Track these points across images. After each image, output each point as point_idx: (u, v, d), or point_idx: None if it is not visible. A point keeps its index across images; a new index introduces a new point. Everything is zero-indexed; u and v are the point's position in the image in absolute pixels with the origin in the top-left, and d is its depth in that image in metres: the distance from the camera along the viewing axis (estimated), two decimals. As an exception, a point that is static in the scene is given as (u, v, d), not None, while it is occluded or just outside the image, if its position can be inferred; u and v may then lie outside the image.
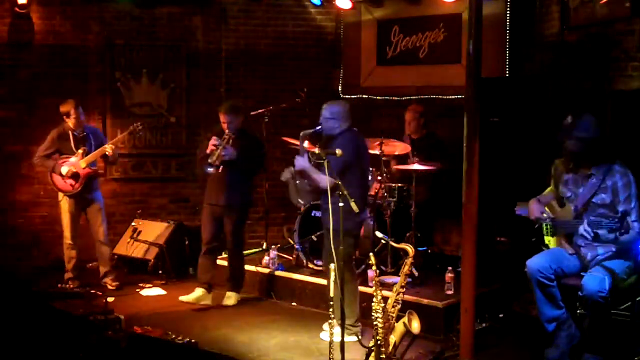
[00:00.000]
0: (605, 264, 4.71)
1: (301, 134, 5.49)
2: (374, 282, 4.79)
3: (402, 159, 6.99)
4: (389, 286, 5.39)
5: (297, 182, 6.10)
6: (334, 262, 4.73)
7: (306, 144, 5.72)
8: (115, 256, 7.43)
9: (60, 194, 6.90)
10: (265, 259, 6.95)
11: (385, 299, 4.81)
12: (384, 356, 4.71)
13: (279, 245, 7.21)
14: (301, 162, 5.39)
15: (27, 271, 7.44)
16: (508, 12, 7.01)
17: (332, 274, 4.68)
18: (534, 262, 4.86)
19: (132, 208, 8.06)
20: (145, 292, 6.94)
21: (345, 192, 4.75)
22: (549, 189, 5.20)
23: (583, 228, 4.69)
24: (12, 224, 7.91)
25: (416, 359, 5.18)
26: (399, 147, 6.77)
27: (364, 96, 8.20)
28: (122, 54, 8.13)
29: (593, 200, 4.80)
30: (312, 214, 6.72)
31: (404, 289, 4.89)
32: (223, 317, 6.21)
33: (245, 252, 6.87)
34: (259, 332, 5.81)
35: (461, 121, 4.95)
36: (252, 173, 6.63)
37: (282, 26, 8.36)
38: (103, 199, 7.12)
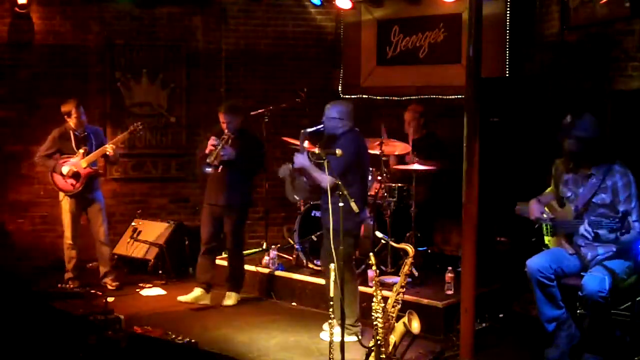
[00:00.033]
0: (606, 263, 4.71)
1: (302, 131, 5.49)
2: (374, 282, 4.79)
3: (402, 158, 7.00)
4: (389, 286, 5.39)
5: (296, 179, 6.10)
6: (334, 262, 4.73)
7: (306, 144, 5.71)
8: (115, 256, 7.43)
9: (61, 194, 6.90)
10: (265, 259, 6.95)
11: (385, 299, 4.81)
12: (384, 356, 4.71)
13: (279, 245, 7.21)
14: (301, 159, 5.39)
15: (27, 271, 7.44)
16: (508, 12, 7.00)
17: (332, 274, 4.68)
18: (534, 262, 4.86)
19: (132, 208, 8.06)
20: (145, 292, 6.94)
21: (345, 192, 4.75)
22: (549, 189, 5.20)
23: (584, 228, 4.69)
24: (12, 224, 7.91)
25: (416, 359, 5.18)
26: (399, 147, 6.77)
27: (364, 96, 8.20)
28: (122, 54, 8.13)
29: (593, 200, 4.80)
30: (312, 214, 6.72)
31: (404, 289, 4.89)
32: (223, 317, 6.21)
33: (245, 252, 6.87)
34: (259, 332, 5.81)
35: (461, 121, 4.95)
36: (252, 173, 6.63)
37: (282, 26, 8.37)
38: (104, 199, 7.12)
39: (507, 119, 6.47)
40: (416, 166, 6.47)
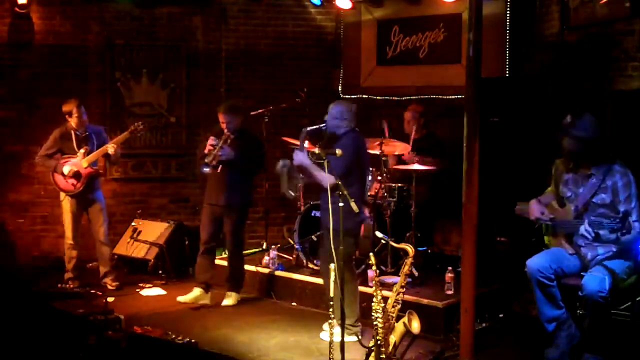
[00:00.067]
0: (606, 263, 4.71)
1: (303, 130, 5.48)
2: (374, 282, 4.79)
3: (401, 158, 7.00)
4: (389, 286, 5.39)
5: (293, 175, 6.11)
6: (334, 262, 4.73)
7: (306, 144, 5.71)
8: (116, 256, 7.43)
9: (62, 194, 6.90)
10: (265, 259, 6.95)
11: (385, 299, 4.81)
12: (384, 356, 4.71)
13: (279, 245, 7.21)
14: (301, 157, 5.38)
15: (27, 271, 7.45)
16: (508, 12, 7.01)
17: (332, 274, 4.68)
18: (534, 262, 4.85)
19: (132, 208, 8.06)
20: (145, 292, 6.94)
21: (345, 192, 4.75)
22: (549, 189, 5.20)
23: (584, 228, 4.69)
24: (12, 224, 7.91)
25: (416, 359, 5.18)
26: (399, 147, 6.77)
27: (364, 96, 8.20)
28: (122, 54, 8.13)
29: (593, 200, 4.80)
30: (312, 214, 6.72)
31: (404, 289, 4.89)
32: (223, 317, 6.21)
33: (245, 252, 6.87)
34: (259, 332, 5.81)
35: (461, 121, 4.95)
36: (251, 173, 6.63)
37: (282, 26, 8.37)
38: (104, 199, 7.12)
39: (507, 119, 6.47)
40: (416, 166, 6.47)
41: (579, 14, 6.35)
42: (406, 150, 6.77)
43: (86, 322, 5.02)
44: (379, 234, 5.06)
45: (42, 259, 7.83)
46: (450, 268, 5.99)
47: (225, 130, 6.37)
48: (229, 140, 6.35)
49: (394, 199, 6.60)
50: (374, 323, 4.74)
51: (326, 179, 5.08)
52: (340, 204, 4.73)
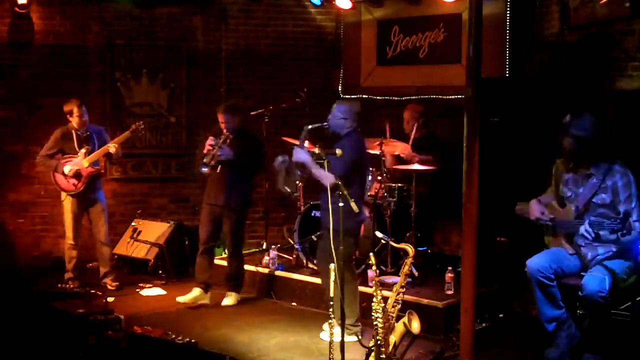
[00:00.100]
0: (606, 263, 4.71)
1: (305, 127, 5.47)
2: (374, 282, 4.78)
3: (400, 158, 6.99)
4: (389, 286, 5.39)
5: (291, 172, 6.11)
6: (334, 262, 4.73)
7: (306, 144, 5.71)
8: (116, 256, 7.43)
9: (63, 194, 6.90)
10: (265, 259, 6.95)
11: (385, 299, 4.81)
12: (384, 356, 4.71)
13: (279, 245, 7.21)
14: (302, 154, 5.38)
15: (27, 271, 7.44)
16: (508, 12, 7.00)
17: (332, 274, 4.68)
18: (534, 262, 4.85)
19: (132, 208, 8.06)
20: (145, 292, 6.94)
21: (345, 192, 4.75)
22: (549, 189, 5.19)
23: (584, 228, 4.68)
24: (12, 224, 7.91)
25: (416, 359, 5.18)
26: (399, 147, 6.77)
27: (364, 96, 8.19)
28: (122, 54, 8.14)
29: (593, 200, 4.80)
30: (312, 214, 6.72)
31: (404, 289, 4.89)
32: (223, 317, 6.21)
33: (245, 252, 6.87)
34: (259, 332, 5.81)
35: (461, 121, 4.95)
36: (251, 173, 6.63)
37: (282, 26, 8.37)
38: (106, 199, 7.12)
39: (507, 119, 6.47)
40: (416, 166, 6.47)
41: (579, 14, 6.35)
42: (406, 150, 6.77)
43: (86, 322, 5.02)
44: (379, 234, 5.07)
45: (42, 259, 7.83)
46: (450, 268, 5.99)
47: (224, 130, 6.37)
48: (228, 140, 6.36)
49: (394, 199, 6.60)
50: (374, 323, 4.74)
51: (326, 177, 5.08)
52: (340, 204, 4.73)
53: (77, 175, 6.79)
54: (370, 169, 6.34)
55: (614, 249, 4.74)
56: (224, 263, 6.77)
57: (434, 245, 7.06)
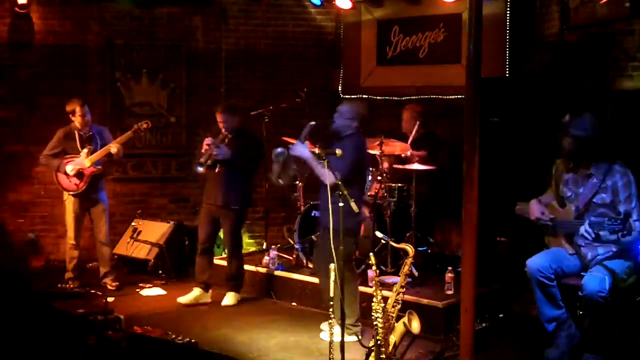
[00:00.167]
0: (606, 263, 4.71)
1: (308, 123, 5.44)
2: (374, 282, 4.78)
3: (400, 158, 6.99)
4: (389, 286, 5.39)
5: (288, 165, 6.11)
6: (334, 262, 4.73)
7: (306, 144, 5.71)
8: (116, 256, 7.43)
9: (65, 194, 6.91)
10: (265, 259, 6.95)
11: (385, 299, 4.81)
12: (384, 356, 4.71)
13: (279, 245, 7.21)
14: (301, 149, 5.37)
15: (27, 271, 7.44)
16: (508, 12, 7.01)
17: (332, 274, 4.68)
18: (534, 262, 4.85)
19: (132, 208, 8.07)
20: (145, 292, 6.94)
21: (345, 192, 4.75)
22: (549, 189, 5.19)
23: (584, 228, 4.68)
24: (12, 224, 7.91)
25: (416, 359, 5.18)
26: (399, 147, 6.77)
27: (364, 96, 8.19)
28: (122, 54, 8.14)
29: (593, 200, 4.80)
30: (312, 214, 6.72)
31: (404, 289, 4.89)
32: (223, 317, 6.21)
33: (244, 251, 6.87)
34: (259, 332, 5.81)
35: (461, 121, 4.95)
36: (250, 173, 6.63)
37: (282, 26, 8.37)
38: (108, 200, 7.12)
39: (507, 119, 6.47)
40: (416, 166, 6.47)
41: (579, 14, 6.35)
42: (405, 150, 6.77)
43: (86, 322, 5.02)
44: (379, 234, 5.06)
45: (42, 258, 7.83)
46: (450, 268, 5.99)
47: (223, 130, 6.37)
48: (226, 140, 6.36)
49: (394, 199, 6.60)
50: (374, 323, 4.74)
51: (326, 174, 5.08)
52: (340, 204, 4.73)
53: (79, 174, 6.79)
54: (370, 169, 6.34)
55: (614, 249, 4.74)
56: (224, 263, 6.77)
57: (434, 245, 7.06)
